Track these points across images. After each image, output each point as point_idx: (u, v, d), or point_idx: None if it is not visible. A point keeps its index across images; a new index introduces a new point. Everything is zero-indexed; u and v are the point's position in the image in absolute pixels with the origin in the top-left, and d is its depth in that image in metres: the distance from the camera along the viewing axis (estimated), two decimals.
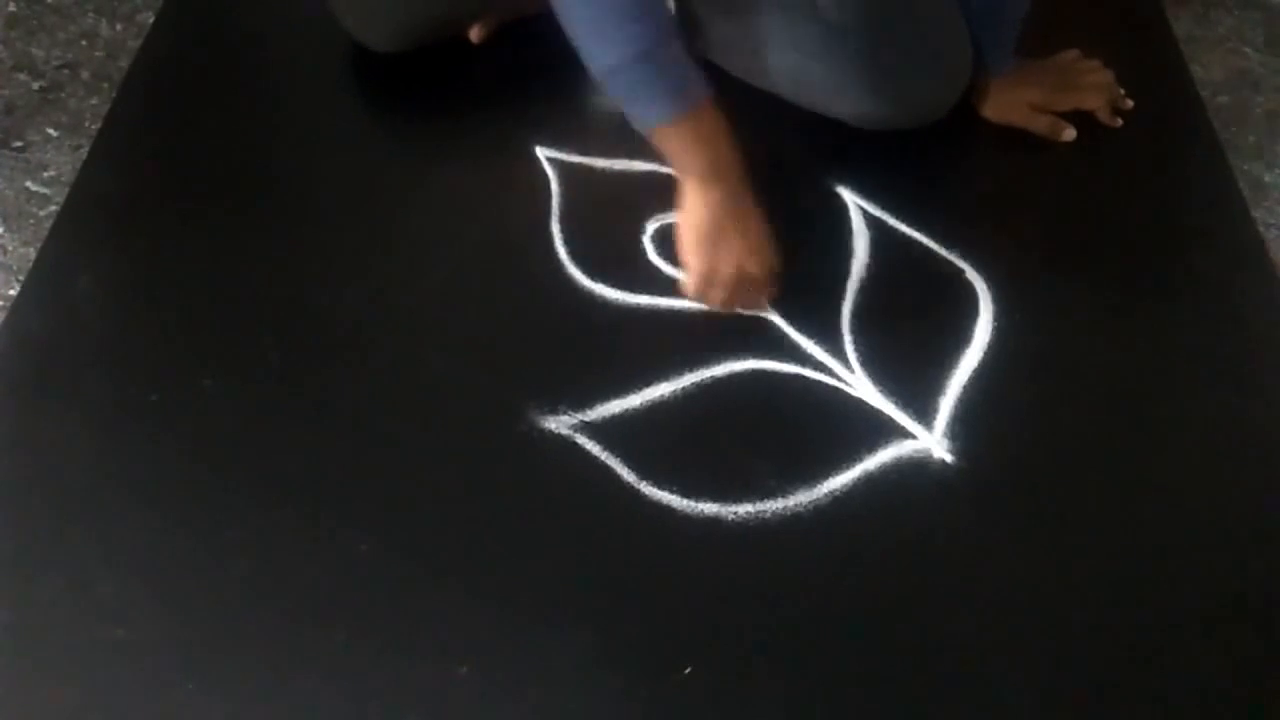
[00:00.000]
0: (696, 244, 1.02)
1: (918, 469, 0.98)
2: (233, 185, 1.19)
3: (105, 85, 1.32)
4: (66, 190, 1.18)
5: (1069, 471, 0.98)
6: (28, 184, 1.23)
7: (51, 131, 1.28)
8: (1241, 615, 0.91)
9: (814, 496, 0.95)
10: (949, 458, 0.98)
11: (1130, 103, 1.25)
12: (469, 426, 0.99)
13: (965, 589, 0.91)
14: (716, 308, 1.06)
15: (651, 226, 1.14)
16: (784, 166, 1.21)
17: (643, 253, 1.12)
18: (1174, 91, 1.31)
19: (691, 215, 1.01)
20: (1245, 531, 0.95)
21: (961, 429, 1.00)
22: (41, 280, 1.10)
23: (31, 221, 1.19)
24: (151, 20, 1.37)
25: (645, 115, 0.97)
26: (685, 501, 0.95)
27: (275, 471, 0.96)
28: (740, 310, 1.07)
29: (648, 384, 1.02)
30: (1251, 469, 0.99)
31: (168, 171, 1.20)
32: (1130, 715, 0.86)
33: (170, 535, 0.92)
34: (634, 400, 1.01)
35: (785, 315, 1.07)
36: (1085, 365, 1.06)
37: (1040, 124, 1.22)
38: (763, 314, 1.07)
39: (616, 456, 0.97)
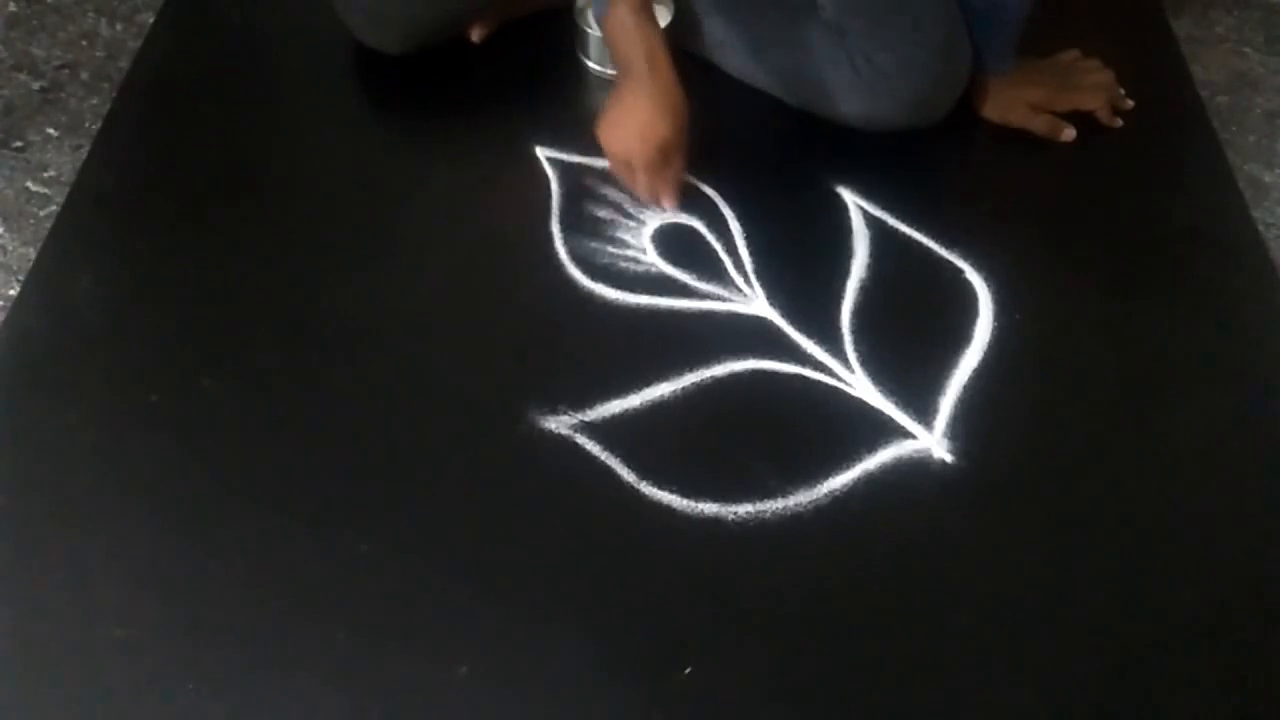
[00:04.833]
0: (604, 126, 1.10)
1: (918, 469, 0.97)
2: (233, 185, 1.19)
3: (105, 85, 1.32)
4: (66, 190, 1.18)
5: (1069, 471, 0.98)
6: (28, 184, 1.23)
7: (51, 131, 1.28)
8: (1242, 615, 0.90)
9: (814, 496, 0.95)
10: (949, 458, 0.98)
11: (1130, 103, 1.25)
12: (469, 426, 0.99)
13: (965, 589, 0.91)
14: (633, 190, 1.14)
15: (652, 226, 1.14)
16: (784, 166, 1.21)
17: (643, 253, 1.12)
18: (1174, 91, 1.30)
19: (612, 102, 1.10)
20: (1245, 531, 0.95)
21: (961, 429, 1.00)
22: (41, 280, 1.10)
23: (31, 221, 1.19)
24: (151, 20, 1.37)
25: None
26: (685, 501, 0.95)
27: (275, 471, 0.96)
28: (648, 197, 1.13)
29: (648, 384, 1.02)
30: (1251, 469, 0.99)
31: (168, 171, 1.20)
32: (1130, 715, 0.86)
33: (170, 535, 0.92)
34: (634, 400, 1.01)
35: (785, 315, 1.07)
36: (1085, 365, 1.06)
37: (1040, 124, 1.22)
38: (674, 208, 1.14)
39: (616, 456, 0.97)
